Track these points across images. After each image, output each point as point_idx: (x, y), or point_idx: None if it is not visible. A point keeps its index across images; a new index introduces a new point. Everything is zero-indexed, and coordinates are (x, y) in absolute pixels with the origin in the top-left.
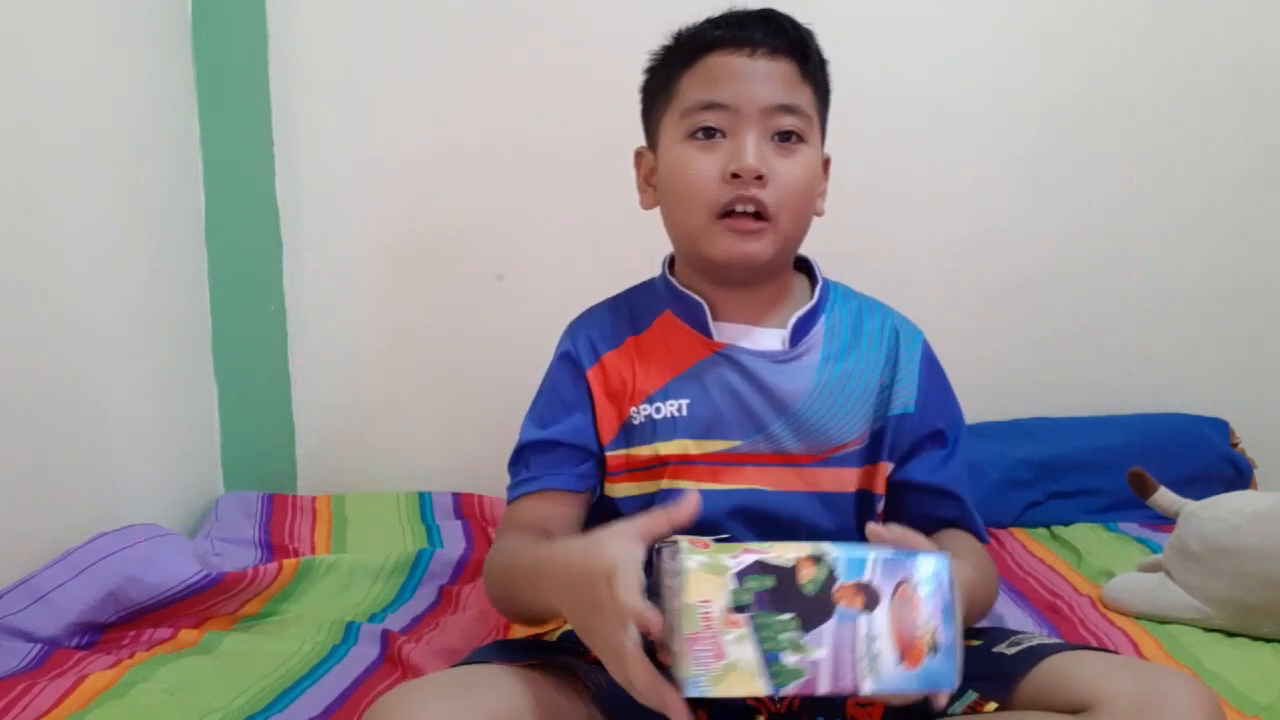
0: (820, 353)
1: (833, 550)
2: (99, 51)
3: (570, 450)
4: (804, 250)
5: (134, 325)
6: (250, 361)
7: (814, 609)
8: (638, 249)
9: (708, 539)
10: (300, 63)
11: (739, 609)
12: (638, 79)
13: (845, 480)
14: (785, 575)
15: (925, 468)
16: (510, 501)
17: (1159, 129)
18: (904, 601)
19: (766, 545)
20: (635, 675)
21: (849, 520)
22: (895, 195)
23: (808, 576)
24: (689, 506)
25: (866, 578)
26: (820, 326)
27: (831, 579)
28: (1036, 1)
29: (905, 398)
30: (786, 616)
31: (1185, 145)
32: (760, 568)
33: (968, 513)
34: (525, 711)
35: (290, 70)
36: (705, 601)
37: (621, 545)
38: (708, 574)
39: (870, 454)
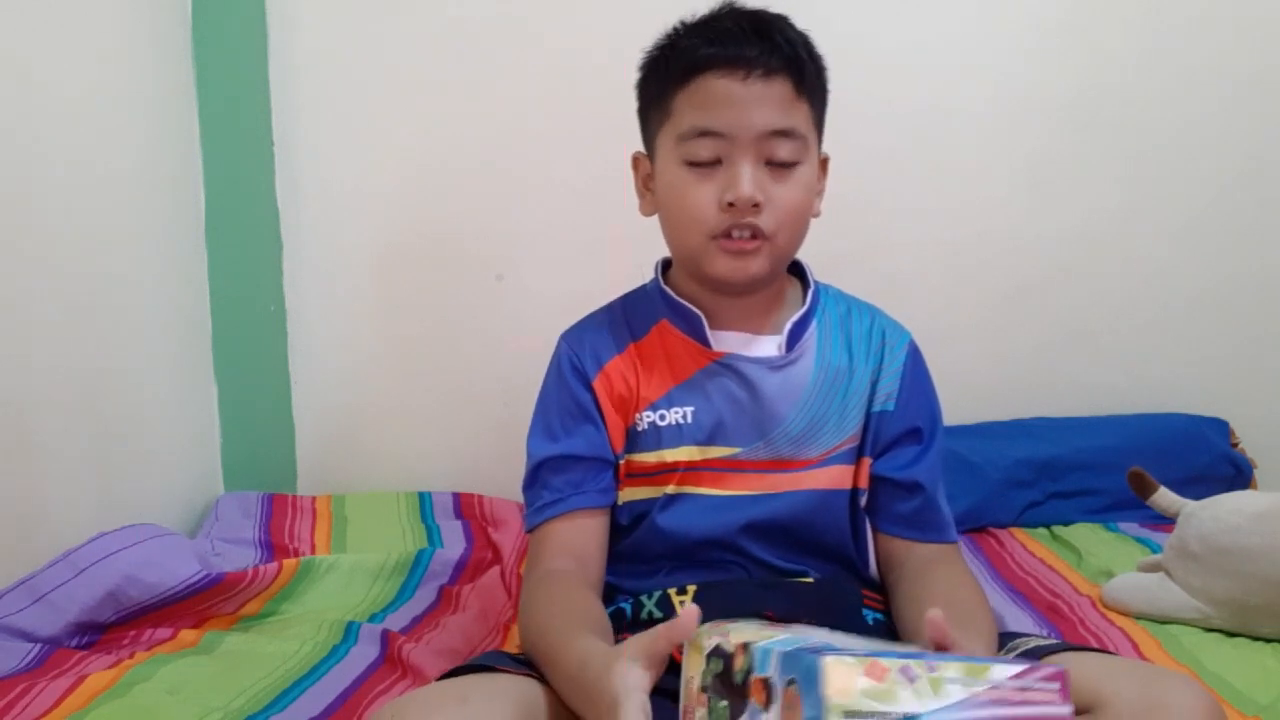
0: (814, 356)
1: (762, 640)
2: (99, 52)
3: (589, 464)
4: (805, 251)
5: (134, 325)
6: (250, 361)
7: (739, 699)
8: (636, 249)
9: (756, 623)
10: (300, 64)
11: (704, 689)
12: (634, 81)
13: (842, 478)
14: (728, 662)
15: (898, 463)
16: (534, 526)
17: (1160, 131)
18: (789, 705)
19: (751, 627)
20: None
21: (843, 518)
22: (897, 197)
23: (739, 665)
24: (689, 621)
25: (768, 673)
26: (813, 330)
27: (749, 670)
28: (1038, 6)
29: (887, 396)
30: (724, 704)
31: (1186, 146)
32: (717, 651)
33: (930, 506)
34: None
35: (290, 71)
36: (691, 678)
37: (627, 677)
38: (694, 652)
39: (860, 450)
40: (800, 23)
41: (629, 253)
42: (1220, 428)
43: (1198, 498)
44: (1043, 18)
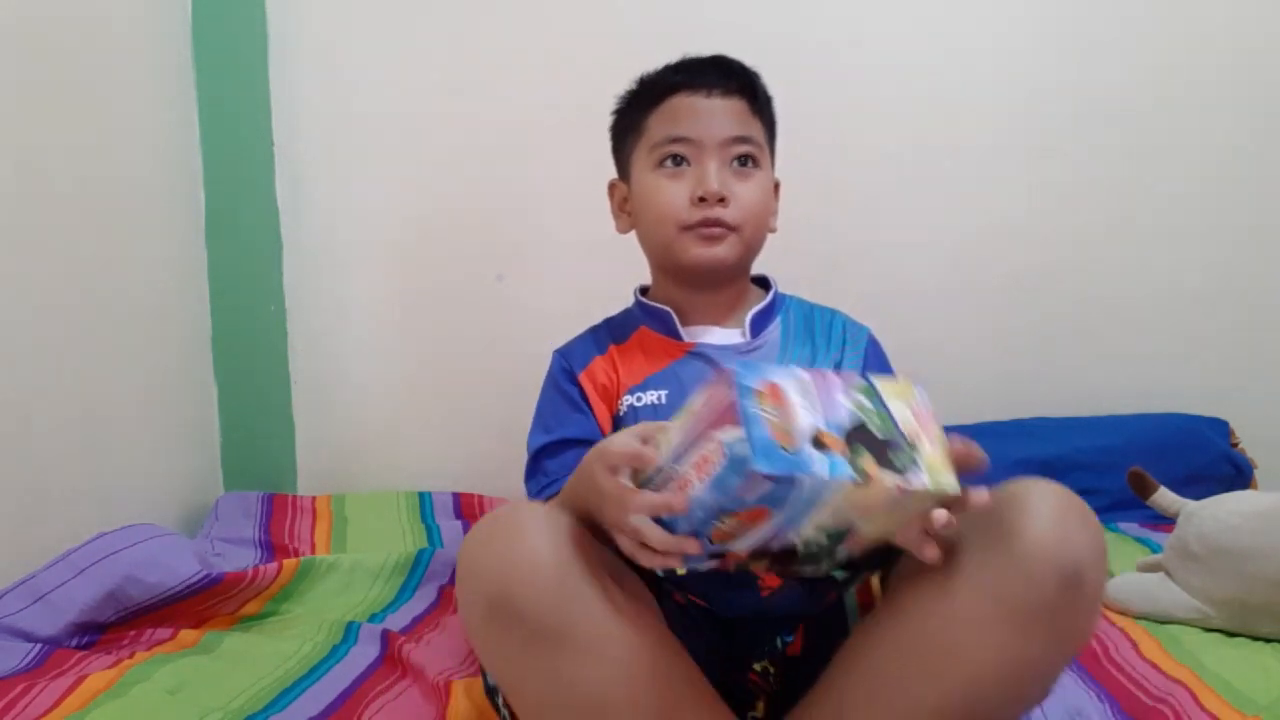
0: (778, 348)
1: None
2: (99, 51)
3: (582, 446)
4: (807, 250)
5: (134, 325)
6: (250, 361)
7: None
8: (636, 251)
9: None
10: (300, 63)
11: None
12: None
13: None
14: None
15: None
16: None
17: (1159, 129)
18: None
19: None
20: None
21: None
22: (897, 196)
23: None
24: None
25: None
26: (776, 325)
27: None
28: (1039, 6)
29: None
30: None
31: (1185, 146)
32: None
33: None
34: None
35: (290, 70)
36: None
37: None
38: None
39: None
40: (803, 22)
41: (628, 254)
42: (1220, 428)
43: (1198, 498)
44: (1044, 18)
